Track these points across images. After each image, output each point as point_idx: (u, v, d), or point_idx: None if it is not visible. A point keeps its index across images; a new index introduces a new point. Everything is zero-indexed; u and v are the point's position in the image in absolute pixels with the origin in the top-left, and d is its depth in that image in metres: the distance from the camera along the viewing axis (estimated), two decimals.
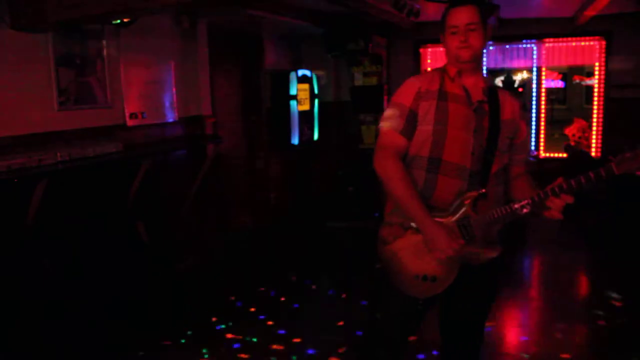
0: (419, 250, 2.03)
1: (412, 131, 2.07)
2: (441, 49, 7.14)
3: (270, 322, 3.92)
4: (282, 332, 3.75)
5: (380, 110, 6.53)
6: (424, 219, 1.98)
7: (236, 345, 3.57)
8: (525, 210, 1.93)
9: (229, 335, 3.72)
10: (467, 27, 2.01)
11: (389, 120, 2.10)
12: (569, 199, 1.87)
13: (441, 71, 2.15)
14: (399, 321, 2.23)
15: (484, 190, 2.00)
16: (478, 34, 2.02)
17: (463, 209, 2.00)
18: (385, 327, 2.28)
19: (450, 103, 2.06)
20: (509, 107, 2.11)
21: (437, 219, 1.99)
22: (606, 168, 1.79)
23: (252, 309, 4.15)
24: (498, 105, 2.08)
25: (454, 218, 2.00)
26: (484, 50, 2.10)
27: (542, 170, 6.67)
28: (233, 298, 4.36)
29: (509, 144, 2.11)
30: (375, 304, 2.41)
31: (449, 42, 2.06)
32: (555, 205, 1.88)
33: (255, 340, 3.63)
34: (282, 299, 4.38)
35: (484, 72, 2.23)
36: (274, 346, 3.53)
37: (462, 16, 2.02)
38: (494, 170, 2.06)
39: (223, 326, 3.86)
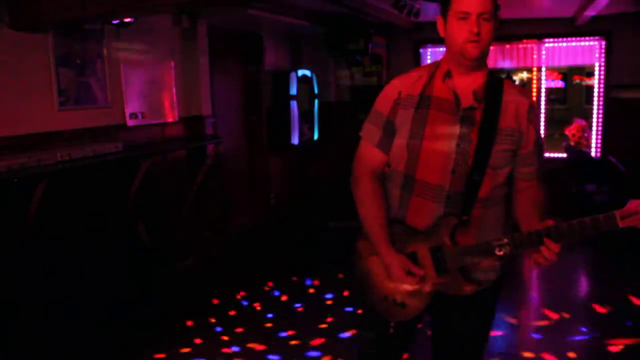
0: None
1: (390, 143, 1.81)
2: (441, 48, 7.26)
3: (270, 324, 3.92)
4: (283, 334, 3.75)
5: None
6: (381, 249, 1.77)
7: (235, 348, 3.57)
8: (503, 252, 1.62)
9: (225, 338, 3.72)
10: (481, 17, 1.60)
11: (366, 130, 1.88)
12: (555, 247, 1.54)
13: (434, 67, 1.80)
14: (373, 340, 1.98)
15: (465, 218, 1.70)
16: (491, 26, 1.63)
17: (438, 236, 1.71)
18: (361, 347, 2.10)
19: (431, 110, 1.73)
20: (512, 110, 1.71)
21: (412, 242, 1.77)
22: (608, 216, 1.46)
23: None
24: (497, 110, 1.69)
25: (428, 244, 1.74)
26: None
27: (542, 170, 6.65)
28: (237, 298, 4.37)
29: (509, 157, 1.73)
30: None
31: (455, 31, 1.64)
32: (540, 252, 1.56)
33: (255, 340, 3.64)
34: (284, 298, 4.38)
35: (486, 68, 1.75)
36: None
37: (477, 1, 1.60)
38: (484, 192, 1.70)
39: (222, 327, 3.87)
